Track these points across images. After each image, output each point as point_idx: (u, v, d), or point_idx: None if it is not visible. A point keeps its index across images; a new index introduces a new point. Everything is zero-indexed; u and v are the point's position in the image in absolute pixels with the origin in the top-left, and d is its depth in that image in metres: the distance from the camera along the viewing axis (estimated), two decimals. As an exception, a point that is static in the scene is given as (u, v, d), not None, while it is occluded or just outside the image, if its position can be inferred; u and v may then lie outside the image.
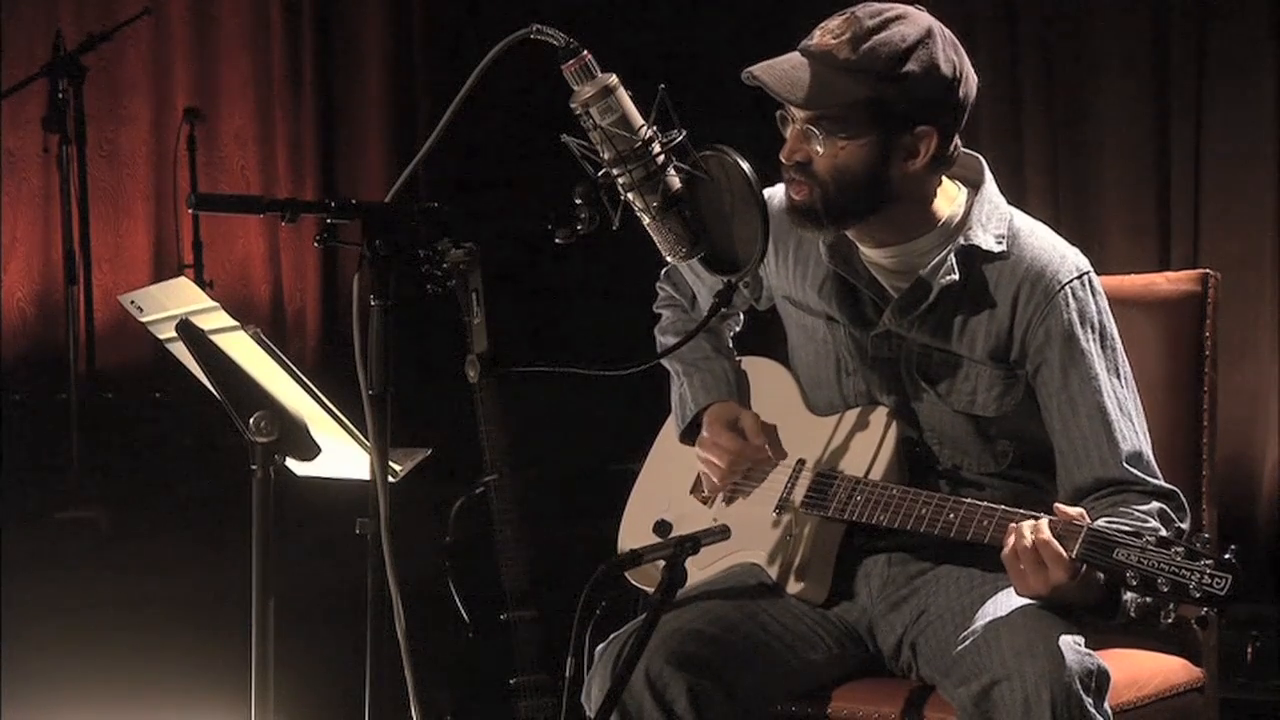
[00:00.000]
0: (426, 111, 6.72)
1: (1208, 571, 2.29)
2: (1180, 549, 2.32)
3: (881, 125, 2.57)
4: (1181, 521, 2.59)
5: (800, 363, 2.89)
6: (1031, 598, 2.49)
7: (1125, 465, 2.62)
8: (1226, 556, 2.30)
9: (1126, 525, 2.44)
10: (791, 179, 2.64)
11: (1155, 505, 2.59)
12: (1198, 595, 2.30)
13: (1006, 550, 2.47)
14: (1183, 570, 2.31)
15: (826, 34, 2.58)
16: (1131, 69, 5.35)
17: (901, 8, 2.59)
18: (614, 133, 2.34)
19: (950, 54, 2.59)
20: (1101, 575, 2.45)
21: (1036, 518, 2.47)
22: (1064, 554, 2.41)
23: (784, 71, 2.58)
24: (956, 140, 2.65)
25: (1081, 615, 2.52)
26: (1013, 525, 2.48)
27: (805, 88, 2.55)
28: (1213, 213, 5.25)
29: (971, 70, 2.63)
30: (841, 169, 2.59)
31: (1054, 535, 2.42)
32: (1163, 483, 2.64)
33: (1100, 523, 2.44)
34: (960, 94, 2.60)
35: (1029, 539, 2.44)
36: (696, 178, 2.41)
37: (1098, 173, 5.43)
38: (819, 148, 2.59)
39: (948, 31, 2.61)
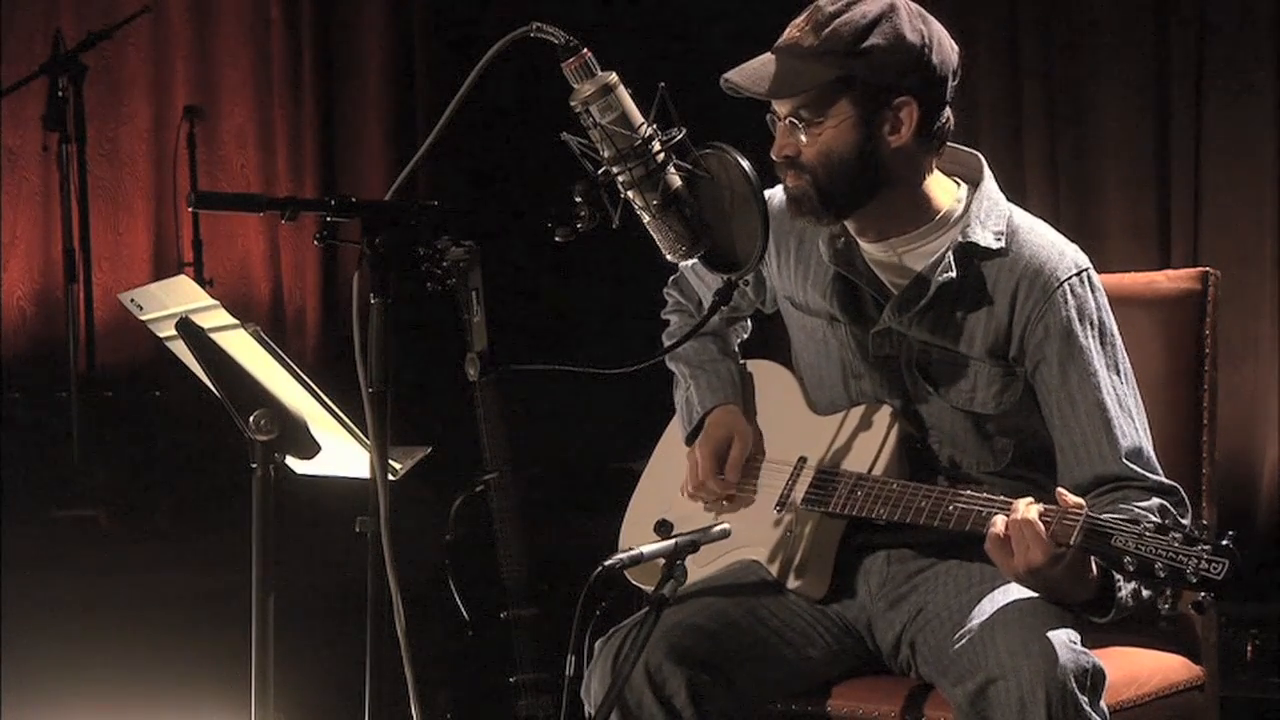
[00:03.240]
0: (426, 111, 6.71)
1: (1205, 556, 2.29)
2: (1178, 535, 2.32)
3: (856, 103, 2.58)
4: (1183, 518, 2.58)
5: (803, 364, 2.89)
6: (1015, 580, 2.49)
7: (1125, 461, 2.62)
8: (1224, 542, 2.30)
9: (1125, 515, 2.44)
10: (784, 171, 2.66)
11: (1156, 501, 2.59)
12: (1194, 580, 2.30)
13: (992, 531, 2.47)
14: (1180, 555, 2.31)
15: (792, 29, 2.61)
16: (1131, 68, 5.34)
17: None
18: (614, 131, 2.34)
19: (917, 24, 2.59)
20: (1095, 572, 2.45)
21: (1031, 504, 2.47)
22: (1043, 535, 2.41)
23: (753, 70, 2.60)
24: (947, 114, 2.65)
25: (1079, 612, 2.52)
26: (1014, 504, 2.48)
27: (772, 80, 2.57)
28: (1213, 211, 5.25)
29: (947, 39, 2.63)
30: (826, 154, 2.60)
31: (1050, 523, 2.42)
32: (1163, 479, 2.64)
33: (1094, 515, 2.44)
34: (934, 60, 2.60)
35: (1018, 515, 2.44)
36: (696, 176, 2.41)
37: (1098, 172, 5.42)
38: (803, 138, 2.60)
39: (914, 5, 2.62)
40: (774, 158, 2.65)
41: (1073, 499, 2.44)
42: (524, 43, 2.33)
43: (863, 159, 2.60)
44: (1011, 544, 2.45)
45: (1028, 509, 2.44)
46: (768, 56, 2.61)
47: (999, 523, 2.46)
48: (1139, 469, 2.63)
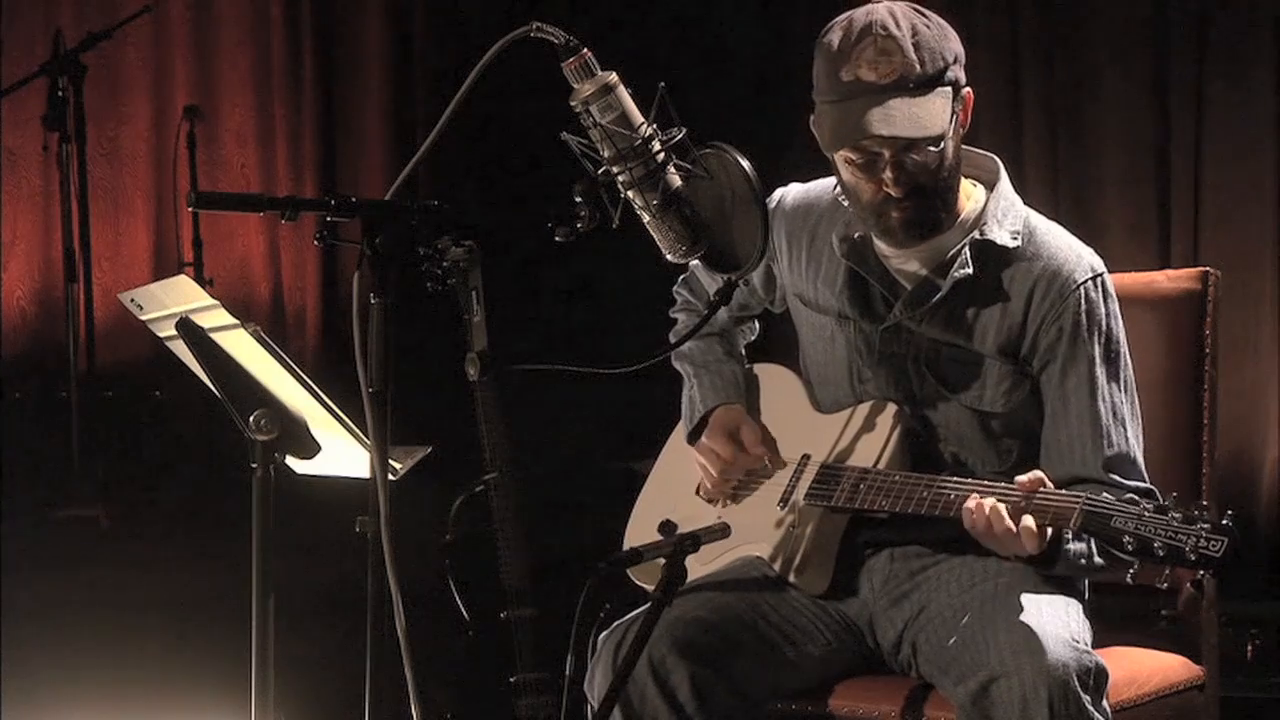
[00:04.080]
0: (426, 111, 6.71)
1: (1204, 534, 2.31)
2: (1177, 514, 2.34)
3: (956, 108, 2.61)
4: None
5: (810, 362, 2.90)
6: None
7: (1102, 470, 2.64)
8: (1224, 521, 2.31)
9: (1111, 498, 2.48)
10: (901, 205, 2.62)
11: (1127, 497, 2.60)
12: (1194, 558, 2.32)
13: (977, 528, 2.49)
14: (1179, 534, 2.33)
15: (879, 65, 2.56)
16: (1131, 68, 5.35)
17: (872, 5, 2.62)
18: (614, 130, 2.34)
19: (941, 20, 2.63)
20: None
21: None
22: (1035, 534, 2.45)
23: (893, 116, 2.55)
24: None
25: (1025, 562, 2.54)
26: (976, 500, 2.50)
27: (925, 119, 2.56)
28: (1213, 211, 5.26)
29: None
30: (944, 166, 2.62)
31: (1047, 512, 2.45)
32: (1142, 484, 2.66)
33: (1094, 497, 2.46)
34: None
35: (1004, 525, 2.46)
36: (696, 176, 2.41)
37: (1098, 171, 5.43)
38: (920, 159, 2.59)
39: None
40: (896, 193, 2.60)
41: (1028, 479, 2.48)
42: (524, 43, 2.33)
43: (957, 159, 2.65)
44: (1005, 541, 2.47)
45: (1006, 516, 2.46)
46: (883, 99, 2.55)
47: (982, 526, 2.48)
48: (1116, 477, 2.64)
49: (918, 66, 2.56)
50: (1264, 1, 5.13)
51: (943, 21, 2.63)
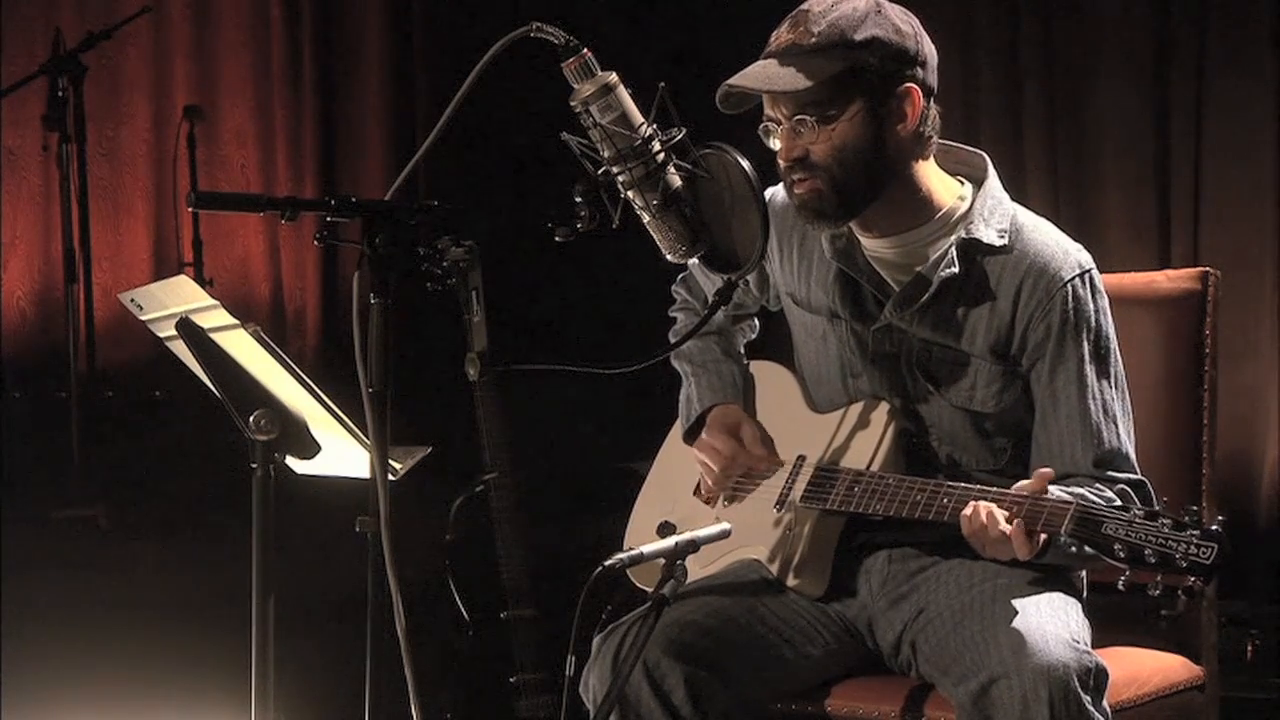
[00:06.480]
0: (426, 111, 6.72)
1: (1194, 541, 2.32)
2: (1168, 521, 2.35)
3: (865, 93, 2.59)
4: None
5: (803, 361, 2.90)
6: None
7: (1093, 468, 2.64)
8: (1213, 527, 2.32)
9: (1100, 499, 2.49)
10: (795, 179, 2.64)
11: (1118, 489, 2.61)
12: (1184, 565, 2.32)
13: (974, 534, 2.49)
14: (1169, 541, 2.34)
15: (782, 34, 2.62)
16: (1131, 68, 5.35)
17: None
18: (614, 130, 2.35)
19: (903, 17, 2.64)
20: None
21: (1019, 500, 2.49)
22: (1026, 543, 2.45)
23: (758, 73, 2.60)
24: (935, 109, 2.67)
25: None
26: (973, 505, 2.50)
27: (785, 78, 2.57)
28: (1213, 210, 5.25)
29: (924, 32, 2.67)
30: (840, 148, 2.60)
31: (1039, 518, 2.44)
32: (1133, 476, 2.66)
33: (1086, 500, 2.46)
34: (925, 49, 2.64)
35: (998, 530, 2.46)
36: (696, 176, 2.41)
37: (1098, 171, 5.43)
38: (813, 135, 2.60)
39: (891, 4, 2.66)
40: (782, 161, 2.64)
41: (1030, 485, 2.47)
42: (524, 43, 2.33)
43: (876, 150, 2.62)
44: (994, 545, 2.47)
45: (1000, 522, 2.46)
46: (766, 61, 2.61)
47: (980, 530, 2.48)
48: (1110, 473, 2.64)
49: (811, 38, 2.57)
50: (1264, 3, 5.13)
51: (904, 20, 2.62)
